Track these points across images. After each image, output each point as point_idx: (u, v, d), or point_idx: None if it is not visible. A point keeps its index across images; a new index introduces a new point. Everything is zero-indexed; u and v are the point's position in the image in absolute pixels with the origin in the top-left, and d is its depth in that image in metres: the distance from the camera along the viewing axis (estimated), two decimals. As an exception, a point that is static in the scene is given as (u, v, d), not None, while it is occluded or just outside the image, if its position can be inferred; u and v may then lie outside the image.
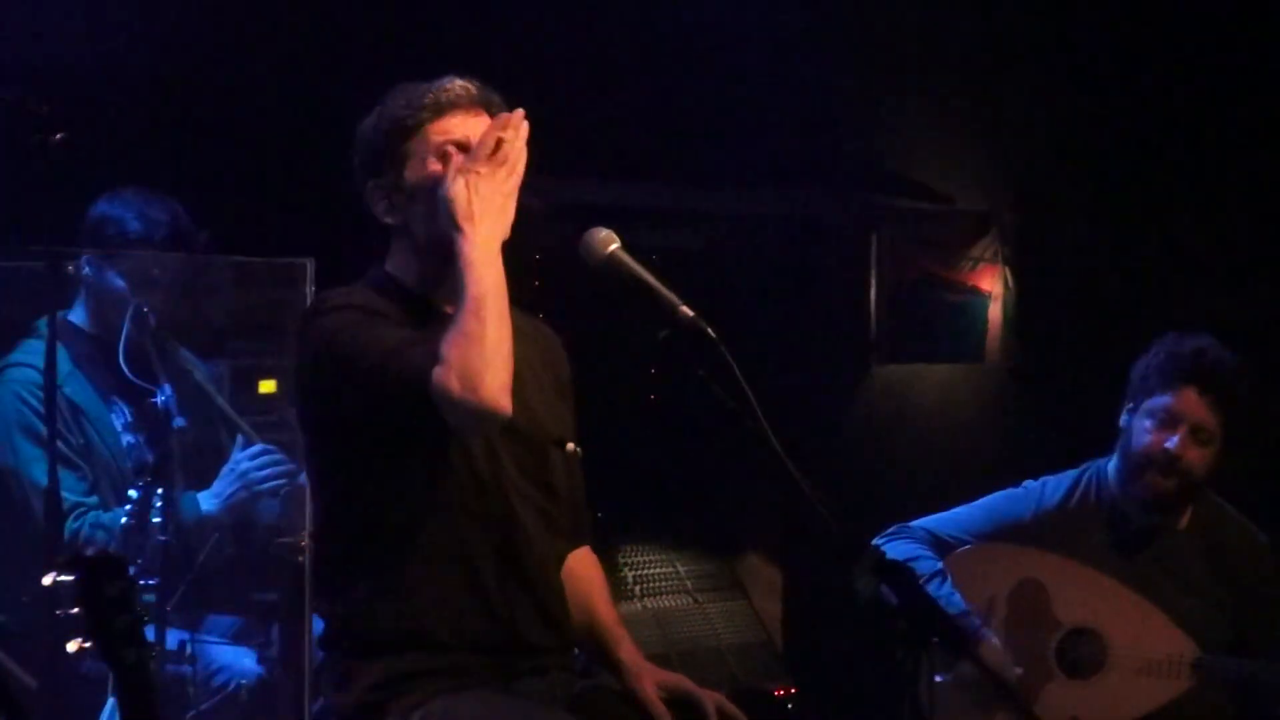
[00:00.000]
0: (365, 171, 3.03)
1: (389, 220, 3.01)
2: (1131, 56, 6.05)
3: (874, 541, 3.94)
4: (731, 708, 3.07)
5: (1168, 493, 3.95)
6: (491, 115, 2.99)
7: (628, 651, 3.13)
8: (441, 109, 2.98)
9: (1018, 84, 6.14)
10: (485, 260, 2.85)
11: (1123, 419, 4.01)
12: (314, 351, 2.94)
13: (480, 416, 2.79)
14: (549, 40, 5.20)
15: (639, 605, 4.97)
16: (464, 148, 2.95)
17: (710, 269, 5.98)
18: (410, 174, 2.98)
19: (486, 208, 2.87)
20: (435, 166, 2.95)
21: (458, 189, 2.87)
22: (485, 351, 2.78)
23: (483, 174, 2.88)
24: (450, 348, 2.78)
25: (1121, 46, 6.04)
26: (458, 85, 2.99)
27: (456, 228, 2.86)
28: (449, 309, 2.90)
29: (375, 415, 2.87)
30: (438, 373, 2.77)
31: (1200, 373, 3.89)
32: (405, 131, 2.97)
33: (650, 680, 3.08)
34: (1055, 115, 6.16)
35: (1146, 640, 3.90)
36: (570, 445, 3.13)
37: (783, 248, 6.19)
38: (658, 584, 5.08)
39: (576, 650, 3.15)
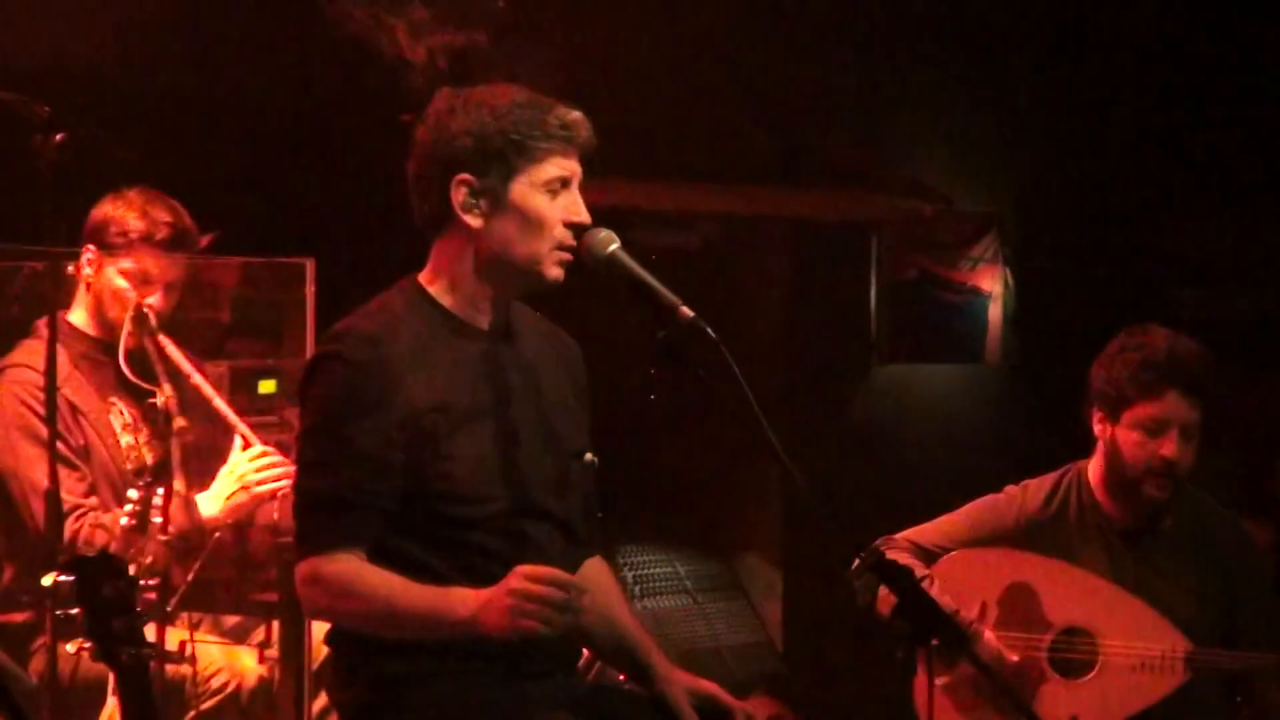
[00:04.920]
0: (459, 162, 2.94)
1: (466, 217, 2.95)
2: (1131, 58, 6.05)
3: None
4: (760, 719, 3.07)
5: (1166, 498, 3.95)
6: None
7: (657, 658, 3.12)
8: (570, 145, 2.97)
9: (1018, 85, 6.15)
10: (457, 630, 2.84)
11: (1098, 428, 4.00)
12: (306, 395, 2.97)
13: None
14: (546, 39, 5.19)
15: (639, 605, 4.96)
16: (565, 184, 2.96)
17: (710, 269, 5.98)
18: (516, 191, 2.94)
19: (505, 627, 2.82)
20: (541, 198, 2.94)
21: (512, 619, 2.80)
22: (348, 621, 2.93)
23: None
24: (338, 592, 2.87)
25: (1121, 48, 6.05)
26: (583, 127, 2.98)
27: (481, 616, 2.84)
28: (481, 327, 2.97)
29: None
30: (307, 577, 2.89)
31: (1180, 373, 3.88)
32: (528, 151, 2.94)
33: (681, 687, 3.07)
34: (1056, 116, 6.16)
35: (1138, 637, 3.90)
36: (588, 455, 3.11)
37: (783, 248, 6.20)
38: (658, 584, 5.08)
39: (586, 652, 3.14)
